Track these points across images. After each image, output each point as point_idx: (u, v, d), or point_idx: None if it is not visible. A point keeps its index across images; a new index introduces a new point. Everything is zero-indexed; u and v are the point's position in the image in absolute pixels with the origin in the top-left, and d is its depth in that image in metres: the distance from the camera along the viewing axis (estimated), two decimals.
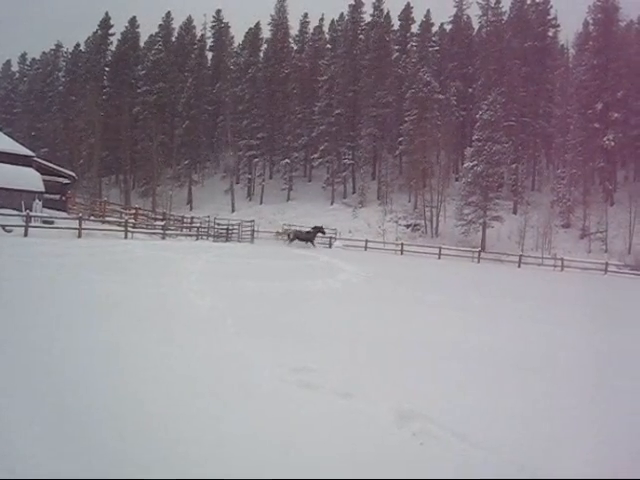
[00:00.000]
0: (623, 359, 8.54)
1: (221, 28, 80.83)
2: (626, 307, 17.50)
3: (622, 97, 53.14)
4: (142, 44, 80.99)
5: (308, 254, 26.86)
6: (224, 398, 5.17)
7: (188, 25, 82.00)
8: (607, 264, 36.98)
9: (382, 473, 4.02)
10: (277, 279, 15.26)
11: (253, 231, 39.38)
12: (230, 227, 38.53)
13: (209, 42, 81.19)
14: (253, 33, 74.41)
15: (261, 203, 62.25)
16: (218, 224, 40.28)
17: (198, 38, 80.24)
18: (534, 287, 22.99)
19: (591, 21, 59.43)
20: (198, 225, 38.50)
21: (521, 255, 38.69)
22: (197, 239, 34.28)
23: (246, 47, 73.95)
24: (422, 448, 4.46)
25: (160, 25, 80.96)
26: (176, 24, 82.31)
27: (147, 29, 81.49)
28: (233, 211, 59.06)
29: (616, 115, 51.73)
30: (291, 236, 36.21)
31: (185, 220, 41.64)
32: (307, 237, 35.60)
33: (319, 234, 36.17)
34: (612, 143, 51.11)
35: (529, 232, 46.55)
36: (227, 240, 36.37)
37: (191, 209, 61.16)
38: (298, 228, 39.40)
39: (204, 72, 74.84)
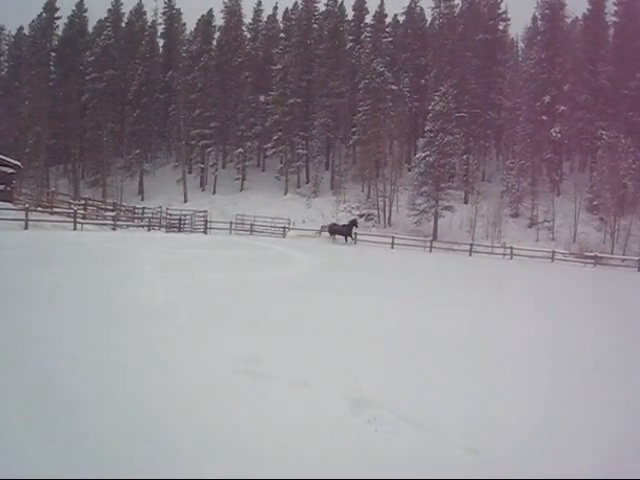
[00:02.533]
0: (561, 339, 8.83)
1: (173, 15, 79.36)
2: (567, 292, 18.05)
3: (568, 91, 54.71)
4: (90, 29, 78.83)
5: (262, 244, 26.74)
6: (174, 392, 5.12)
7: (139, 11, 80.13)
8: (554, 252, 38.31)
9: (338, 460, 4.05)
10: (231, 270, 15.16)
11: (206, 221, 39.02)
12: (183, 217, 38.09)
13: (160, 29, 79.64)
14: (206, 20, 73.33)
15: (214, 193, 61.65)
16: (170, 215, 39.75)
17: (149, 24, 78.51)
18: (484, 275, 23.47)
19: (539, 16, 60.89)
20: (150, 216, 37.90)
21: (472, 244, 39.62)
22: (149, 230, 33.77)
23: (198, 35, 72.87)
24: (376, 434, 4.53)
25: (109, 10, 78.86)
26: (126, 9, 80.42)
27: (95, 14, 79.39)
28: (186, 201, 58.34)
29: (562, 108, 53.21)
30: (326, 230, 35.20)
31: (136, 211, 40.92)
32: (345, 231, 34.23)
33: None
34: (559, 135, 52.62)
35: (479, 221, 47.53)
36: (180, 231, 35.99)
37: (142, 199, 60.08)
38: (335, 221, 39.03)
39: (155, 59, 73.40)
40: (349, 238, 33.06)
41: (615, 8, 59.46)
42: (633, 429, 5.10)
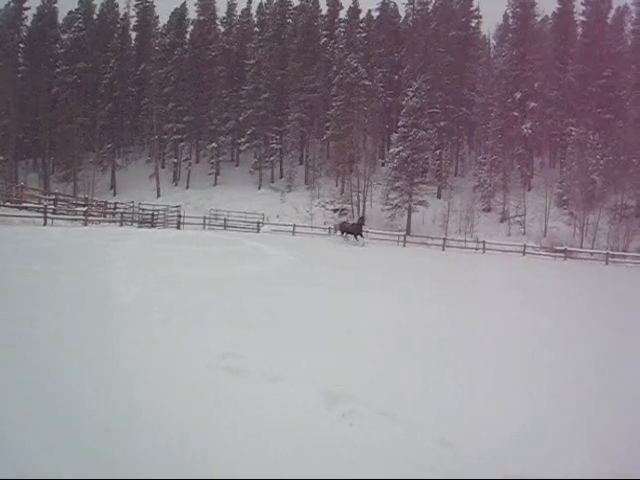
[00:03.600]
0: (534, 332, 9.03)
1: (145, 7, 78.29)
2: (538, 285, 18.38)
3: (538, 88, 55.57)
4: (60, 20, 77.30)
5: (236, 239, 26.67)
6: (149, 387, 5.15)
7: (110, 3, 78.83)
8: (525, 246, 38.86)
9: (312, 454, 4.13)
10: (204, 265, 15.16)
11: (179, 216, 38.76)
12: (156, 212, 37.77)
13: (133, 21, 78.45)
14: (179, 13, 72.40)
15: (187, 188, 61.22)
16: (143, 210, 39.36)
17: (121, 17, 77.34)
18: (458, 270, 23.77)
19: (510, 14, 61.77)
20: (122, 211, 37.51)
21: (445, 238, 40.00)
22: (121, 225, 33.44)
23: (172, 28, 71.89)
24: (351, 429, 4.60)
25: (80, 1, 77.35)
26: (97, 1, 79.05)
27: (65, 5, 77.75)
28: (158, 196, 57.77)
29: (533, 104, 53.98)
30: (337, 229, 33.62)
31: (108, 206, 40.46)
32: (355, 230, 32.02)
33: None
34: (529, 131, 53.40)
35: (452, 216, 48.02)
36: (153, 226, 35.66)
37: (115, 194, 59.41)
38: (345, 220, 37.26)
39: (128, 52, 72.37)
40: (359, 237, 31.39)
41: (583, 8, 60.56)
42: (610, 421, 5.28)
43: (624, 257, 39.13)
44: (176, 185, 63.07)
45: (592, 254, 39.87)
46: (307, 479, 3.94)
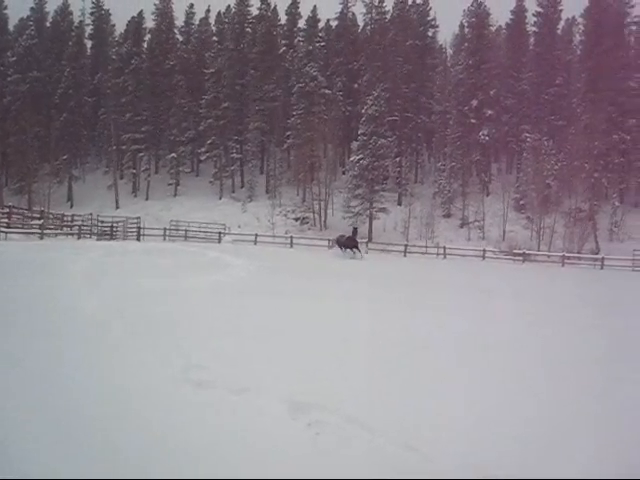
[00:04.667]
0: (498, 336, 9.21)
1: (101, 15, 77.37)
2: (499, 289, 18.73)
3: (494, 95, 56.94)
4: (11, 28, 75.54)
5: (197, 250, 26.49)
6: (112, 401, 5.08)
7: (64, 10, 77.46)
8: (485, 251, 39.72)
9: (278, 466, 4.13)
10: (165, 276, 15.00)
11: (139, 228, 38.26)
12: (115, 225, 37.19)
13: (88, 30, 77.40)
14: (136, 22, 71.43)
15: (147, 199, 60.37)
16: (102, 222, 38.71)
17: (76, 25, 76.04)
18: (419, 275, 24.04)
19: (466, 24, 63.23)
20: (80, 223, 36.79)
21: (406, 245, 40.52)
22: (79, 238, 32.83)
23: (129, 37, 70.99)
24: (318, 438, 4.61)
25: (32, 8, 75.95)
26: (50, 7, 77.55)
27: (16, 12, 75.98)
28: (117, 208, 56.87)
29: (489, 112, 55.17)
30: (332, 243, 32.72)
31: (65, 218, 39.60)
32: (349, 243, 30.47)
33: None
34: (487, 138, 54.52)
35: (413, 222, 48.57)
36: (112, 238, 35.14)
37: (72, 206, 58.10)
38: (341, 234, 34.31)
39: (83, 61, 70.99)
40: (355, 250, 30.01)
41: (535, 19, 62.50)
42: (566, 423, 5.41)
43: (579, 259, 40.28)
44: (135, 196, 62.16)
45: (549, 257, 40.88)
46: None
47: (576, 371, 7.27)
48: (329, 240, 35.27)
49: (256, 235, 41.00)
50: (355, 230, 32.11)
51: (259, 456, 4.27)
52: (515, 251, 40.47)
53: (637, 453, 4.72)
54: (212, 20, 76.97)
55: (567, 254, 40.00)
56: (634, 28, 60.22)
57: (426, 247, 41.78)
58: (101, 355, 6.51)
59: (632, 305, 16.66)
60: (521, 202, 51.20)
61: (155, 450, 4.25)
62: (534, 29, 63.10)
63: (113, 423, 4.64)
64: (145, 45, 70.23)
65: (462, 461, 4.34)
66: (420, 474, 4.11)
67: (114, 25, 76.78)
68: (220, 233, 41.53)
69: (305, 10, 72.55)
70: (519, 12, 63.84)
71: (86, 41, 76.39)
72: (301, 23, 73.16)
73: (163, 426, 4.66)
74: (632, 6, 59.10)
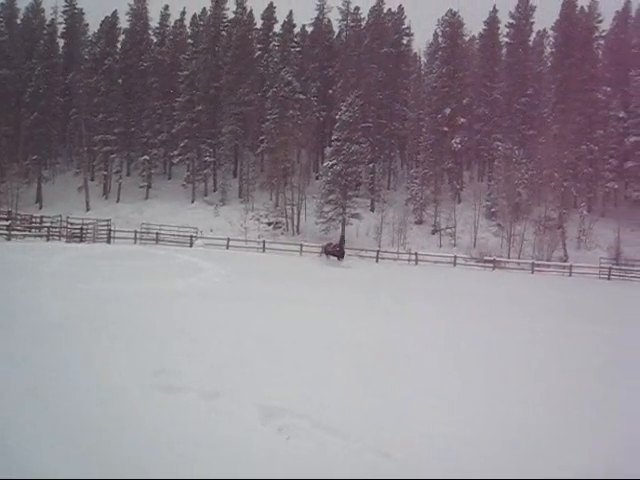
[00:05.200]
0: (467, 342, 9.32)
1: (74, 14, 76.17)
2: (471, 295, 18.96)
3: (467, 104, 57.75)
4: None
5: (169, 254, 26.30)
6: (81, 406, 5.03)
7: (36, 7, 76.12)
8: (456, 257, 40.15)
9: (247, 471, 4.12)
10: (136, 280, 14.87)
11: (110, 231, 37.79)
12: (85, 227, 36.66)
13: (60, 28, 76.10)
14: (110, 22, 70.51)
15: (118, 201, 59.61)
16: (71, 224, 38.10)
17: (48, 23, 74.86)
18: (391, 281, 24.19)
19: (440, 33, 63.95)
20: (49, 225, 36.16)
21: (379, 250, 40.76)
22: (48, 240, 32.32)
23: (102, 36, 70.01)
24: (288, 443, 4.61)
25: (2, 4, 74.28)
26: (21, 4, 75.97)
27: None
28: (88, 210, 56.07)
29: (462, 120, 55.90)
30: (322, 251, 32.25)
31: (34, 220, 38.91)
32: (338, 252, 30.72)
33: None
34: (459, 146, 55.16)
35: (385, 228, 48.87)
36: (82, 241, 34.58)
37: (41, 208, 57.05)
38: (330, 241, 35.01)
39: (55, 60, 69.91)
40: (339, 258, 30.01)
41: (507, 30, 63.53)
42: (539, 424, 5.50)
43: (548, 266, 40.98)
44: (106, 198, 61.33)
45: (519, 264, 41.51)
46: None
47: (549, 378, 7.40)
48: (321, 247, 34.43)
49: (228, 239, 40.84)
50: (342, 238, 31.23)
51: (227, 460, 4.26)
52: (486, 258, 41.00)
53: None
54: (187, 22, 76.34)
55: (537, 261, 40.70)
56: (602, 42, 61.78)
57: (398, 253, 42.08)
58: (66, 360, 6.42)
59: (596, 311, 17.00)
60: (492, 210, 51.90)
61: (119, 455, 4.21)
62: (506, 40, 64.25)
63: (79, 427, 4.59)
64: (119, 45, 69.44)
65: (436, 466, 4.38)
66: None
67: (87, 24, 75.52)
68: (192, 237, 41.27)
69: (281, 15, 72.53)
70: (492, 23, 64.88)
71: (58, 40, 75.08)
72: (277, 28, 73.04)
73: (130, 431, 4.62)
74: (600, 21, 60.86)
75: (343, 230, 48.54)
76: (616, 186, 54.37)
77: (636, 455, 4.90)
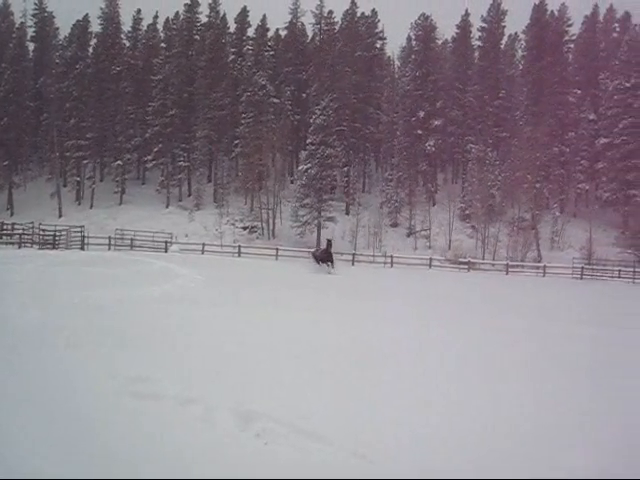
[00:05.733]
0: (445, 345, 9.36)
1: (44, 17, 75.12)
2: (446, 297, 19.09)
3: (441, 107, 58.24)
4: None
5: (144, 260, 26.02)
6: (55, 417, 4.93)
7: (4, 10, 74.86)
8: (431, 259, 40.48)
9: (228, 476, 4.07)
10: (111, 287, 14.66)
11: (83, 237, 37.32)
12: (58, 233, 36.12)
13: (30, 31, 75.06)
14: (81, 26, 69.63)
15: (91, 207, 58.92)
16: (44, 230, 37.52)
17: (17, 26, 73.83)
18: (366, 284, 24.24)
19: (413, 37, 64.44)
20: (20, 232, 35.54)
21: (354, 253, 40.85)
22: (20, 247, 31.79)
23: (73, 40, 69.13)
24: (266, 448, 4.57)
25: None
26: None
27: None
28: (60, 216, 55.31)
29: (436, 123, 56.42)
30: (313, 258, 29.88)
31: (5, 227, 38.19)
32: (322, 256, 28.59)
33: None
34: (433, 148, 55.62)
35: (361, 231, 49.06)
36: (54, 248, 34.06)
37: (12, 215, 56.13)
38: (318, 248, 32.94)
39: (25, 64, 68.92)
40: (329, 264, 27.83)
41: (479, 34, 64.40)
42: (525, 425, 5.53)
43: (522, 267, 41.50)
44: (79, 204, 60.58)
45: (494, 265, 41.96)
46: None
47: (521, 379, 7.46)
48: (311, 254, 32.18)
49: (203, 244, 40.66)
50: (329, 243, 29.74)
51: (205, 465, 4.21)
52: (460, 259, 41.36)
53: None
54: (160, 26, 75.84)
55: (511, 262, 41.18)
56: (572, 46, 62.91)
57: (374, 256, 42.24)
58: (39, 370, 6.31)
59: (571, 311, 17.22)
60: (466, 212, 52.42)
61: (96, 463, 4.14)
62: (479, 43, 65.10)
63: (52, 436, 4.50)
64: (91, 50, 68.57)
65: (412, 467, 4.38)
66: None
67: (57, 28, 74.38)
68: (167, 242, 40.97)
69: (254, 19, 72.48)
70: (464, 27, 65.75)
71: (28, 43, 73.97)
72: (250, 32, 73.02)
73: (105, 439, 4.54)
74: (570, 25, 61.95)
75: (319, 234, 48.61)
76: (587, 187, 55.40)
77: (621, 455, 4.95)
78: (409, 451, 4.66)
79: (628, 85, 51.31)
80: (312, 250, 31.77)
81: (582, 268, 39.12)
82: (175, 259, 28.17)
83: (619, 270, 37.87)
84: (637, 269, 37.54)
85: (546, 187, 51.79)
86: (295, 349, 8.22)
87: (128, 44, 72.69)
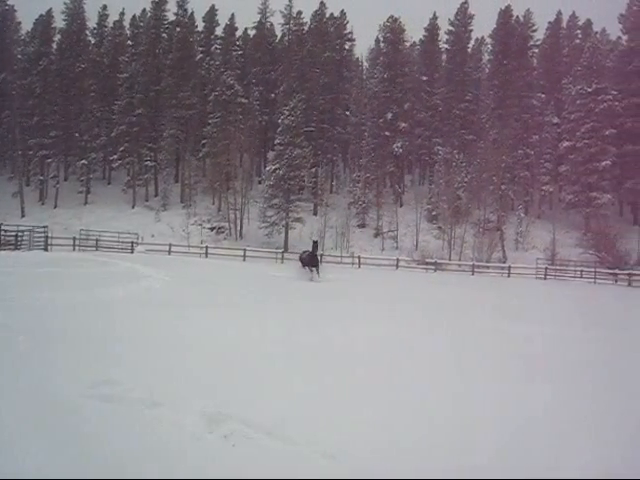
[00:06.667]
0: (414, 344, 9.43)
1: (5, 12, 73.31)
2: (409, 298, 19.23)
3: (408, 109, 58.76)
4: None
5: (109, 260, 25.65)
6: (18, 421, 4.83)
7: None
8: (398, 260, 40.80)
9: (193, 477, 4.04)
10: (75, 288, 14.40)
11: (47, 237, 36.61)
12: (20, 234, 35.33)
13: None
14: (44, 21, 68.36)
15: (56, 207, 57.81)
16: (5, 231, 36.64)
17: None
18: (334, 284, 24.25)
19: (381, 39, 64.93)
20: None
21: (322, 254, 40.79)
22: None
23: (36, 36, 67.83)
24: (234, 449, 4.54)
25: None
26: None
27: None
28: (23, 216, 54.13)
29: (403, 125, 56.93)
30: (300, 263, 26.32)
31: None
32: (310, 261, 24.77)
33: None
34: (400, 150, 56.07)
35: (329, 232, 49.20)
36: (17, 248, 33.30)
37: None
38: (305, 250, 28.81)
39: None
40: (314, 269, 24.24)
41: (447, 37, 65.18)
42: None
43: (488, 267, 42.10)
44: (43, 204, 59.36)
45: (460, 265, 42.48)
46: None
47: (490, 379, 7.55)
48: (299, 258, 28.27)
49: (170, 245, 40.27)
50: (315, 244, 26.04)
51: (173, 468, 4.16)
52: (427, 260, 41.74)
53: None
54: (126, 23, 74.78)
55: (477, 263, 41.74)
56: (536, 51, 64.20)
57: (341, 257, 42.37)
58: (7, 373, 6.16)
59: (533, 311, 17.50)
60: (433, 213, 52.99)
61: (58, 468, 4.05)
62: (446, 47, 65.94)
63: (16, 440, 4.40)
64: (54, 46, 67.25)
65: (382, 468, 4.39)
66: None
67: (20, 22, 72.82)
68: (133, 243, 40.47)
69: (223, 18, 72.14)
70: (432, 30, 66.49)
71: None
72: (219, 31, 72.65)
73: (70, 443, 4.45)
74: (534, 30, 63.25)
75: (286, 234, 48.58)
76: (551, 189, 56.49)
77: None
78: (380, 452, 4.67)
79: (589, 90, 52.46)
80: (300, 255, 27.71)
81: (546, 268, 39.88)
82: (141, 260, 27.82)
83: (581, 270, 38.68)
84: (598, 269, 38.36)
85: (511, 189, 52.71)
86: (265, 350, 8.19)
87: (93, 41, 71.60)
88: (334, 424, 5.19)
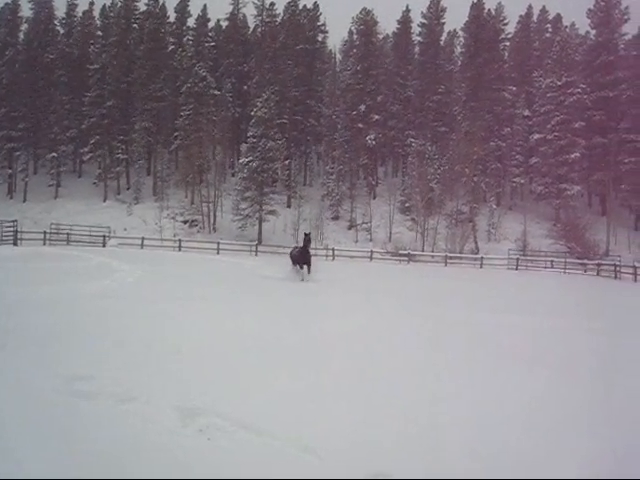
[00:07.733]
0: (391, 337, 9.53)
1: None
2: (385, 289, 19.38)
3: (381, 101, 59.00)
4: None
5: (81, 255, 25.36)
6: None
7: None
8: (372, 252, 41.08)
9: (172, 473, 4.05)
10: (46, 283, 14.22)
11: (16, 232, 36.02)
12: None
13: None
14: (10, 9, 66.73)
15: (25, 201, 56.77)
16: None
17: None
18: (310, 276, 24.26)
19: (354, 31, 64.95)
20: None
21: (296, 246, 40.83)
22: None
23: (1, 25, 66.26)
24: (210, 443, 4.56)
25: None
26: None
27: None
28: None
29: (377, 117, 57.08)
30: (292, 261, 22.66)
31: None
32: (302, 260, 21.21)
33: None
34: (373, 142, 56.26)
35: (302, 224, 49.12)
36: None
37: None
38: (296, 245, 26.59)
39: None
40: (305, 267, 20.99)
41: (419, 29, 65.41)
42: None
43: (460, 258, 42.57)
44: (11, 198, 58.22)
45: (433, 257, 42.85)
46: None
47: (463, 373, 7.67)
48: (289, 256, 24.29)
49: (143, 238, 39.88)
50: (308, 237, 22.51)
51: (149, 462, 4.18)
52: (401, 252, 42.02)
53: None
54: (96, 13, 73.48)
55: (450, 254, 42.14)
56: (507, 44, 64.83)
57: (315, 249, 42.36)
58: None
59: (507, 301, 17.80)
60: (406, 205, 53.30)
61: (37, 465, 4.05)
62: (419, 39, 66.14)
63: None
64: (22, 36, 65.87)
65: (361, 463, 4.43)
66: (315, 474, 4.16)
67: None
68: (105, 237, 40.00)
69: (195, 9, 71.36)
70: (405, 22, 66.57)
71: None
72: (190, 22, 71.88)
73: (44, 439, 4.45)
74: (505, 24, 63.85)
75: (260, 227, 48.45)
76: (522, 181, 57.28)
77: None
78: (360, 447, 4.71)
79: (560, 83, 53.19)
80: (291, 251, 24.48)
81: (517, 259, 40.43)
82: (113, 254, 27.56)
83: (552, 261, 39.29)
84: (568, 260, 39.02)
85: (483, 181, 53.27)
86: (238, 344, 8.21)
87: (62, 31, 70.12)
88: (311, 418, 5.22)
